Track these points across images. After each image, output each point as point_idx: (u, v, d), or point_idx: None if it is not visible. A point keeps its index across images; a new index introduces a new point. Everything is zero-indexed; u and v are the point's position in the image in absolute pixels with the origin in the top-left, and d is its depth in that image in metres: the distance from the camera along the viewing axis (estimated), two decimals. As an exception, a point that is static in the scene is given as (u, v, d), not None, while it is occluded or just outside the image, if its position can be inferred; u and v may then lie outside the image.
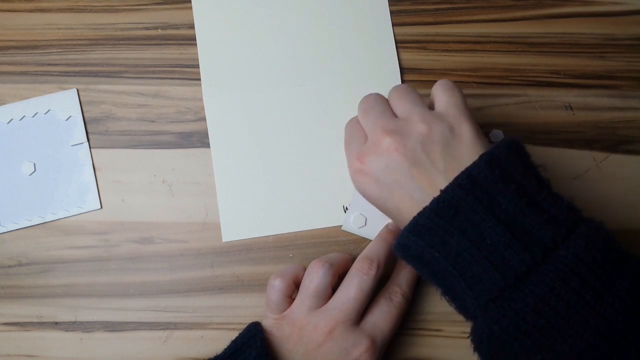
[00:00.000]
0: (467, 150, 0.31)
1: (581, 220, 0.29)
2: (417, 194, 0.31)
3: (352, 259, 0.38)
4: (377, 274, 0.36)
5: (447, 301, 0.32)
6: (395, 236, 0.39)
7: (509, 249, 0.28)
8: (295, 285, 0.38)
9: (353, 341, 0.35)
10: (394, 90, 0.35)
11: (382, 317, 0.36)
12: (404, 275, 0.38)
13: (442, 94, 0.34)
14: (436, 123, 0.32)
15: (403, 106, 0.34)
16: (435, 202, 0.29)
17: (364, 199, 0.41)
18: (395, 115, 0.34)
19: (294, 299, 0.37)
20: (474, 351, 0.31)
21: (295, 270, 0.38)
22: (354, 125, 0.36)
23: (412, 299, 0.39)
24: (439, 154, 0.31)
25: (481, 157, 0.30)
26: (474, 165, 0.29)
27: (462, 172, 0.29)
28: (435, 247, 0.30)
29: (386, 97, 0.36)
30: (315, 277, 0.36)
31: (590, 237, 0.28)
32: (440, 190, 0.29)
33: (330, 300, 0.36)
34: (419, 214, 0.30)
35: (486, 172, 0.29)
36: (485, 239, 0.28)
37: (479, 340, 0.30)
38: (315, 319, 0.35)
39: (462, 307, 0.31)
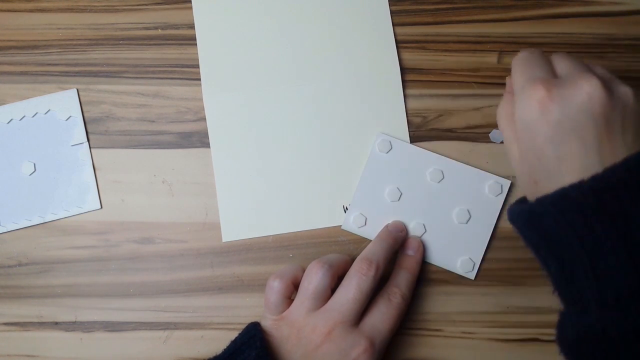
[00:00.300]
0: None
1: None
2: (592, 156, 0.27)
3: (351, 260, 0.38)
4: (377, 274, 0.36)
5: (552, 280, 0.29)
6: (396, 238, 0.39)
7: None
8: (294, 286, 0.38)
9: (351, 342, 0.35)
10: (560, 54, 0.32)
11: (380, 318, 0.36)
12: (403, 276, 0.38)
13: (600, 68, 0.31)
14: (634, 95, 0.28)
15: (600, 69, 0.30)
16: (599, 179, 0.26)
17: (364, 198, 0.41)
18: None
19: (293, 300, 0.37)
20: (559, 343, 0.29)
21: (294, 271, 0.38)
22: (536, 54, 0.32)
23: (411, 300, 0.39)
24: (632, 124, 0.28)
25: None
26: None
27: (634, 156, 0.27)
28: (574, 226, 0.27)
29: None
30: (314, 279, 0.36)
31: None
32: (604, 169, 0.26)
33: (329, 301, 0.36)
34: (571, 185, 0.27)
35: None
36: (636, 235, 0.26)
37: (577, 335, 0.27)
38: (314, 320, 0.35)
39: (572, 294, 0.28)
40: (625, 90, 0.29)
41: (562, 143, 0.28)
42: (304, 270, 0.38)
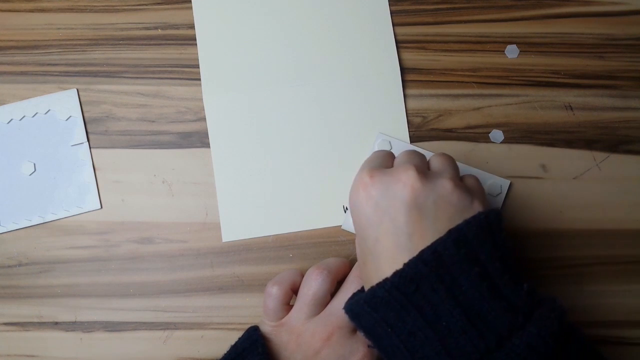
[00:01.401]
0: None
1: (538, 304, 0.29)
2: (403, 238, 0.30)
3: (350, 264, 0.38)
4: None
5: None
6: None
7: (464, 335, 0.27)
8: (292, 292, 0.37)
9: (350, 348, 0.34)
10: (437, 154, 0.35)
11: None
12: None
13: (470, 178, 0.33)
14: (461, 191, 0.31)
15: (440, 164, 0.33)
16: (398, 275, 0.28)
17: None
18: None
19: (292, 306, 0.37)
20: None
21: (293, 276, 0.37)
22: (386, 153, 0.35)
23: None
24: (447, 215, 0.30)
25: (449, 233, 0.29)
26: (442, 241, 0.28)
27: (428, 248, 0.28)
28: (388, 322, 0.29)
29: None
30: (313, 284, 0.36)
31: (545, 323, 0.27)
32: (403, 264, 0.28)
33: (328, 306, 0.36)
34: (377, 285, 0.29)
35: (452, 250, 0.28)
36: (442, 321, 0.28)
37: None
38: (313, 326, 0.35)
39: None
40: (443, 183, 0.31)
41: (379, 224, 0.30)
42: (302, 275, 0.37)
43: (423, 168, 0.32)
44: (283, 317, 0.36)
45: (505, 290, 0.28)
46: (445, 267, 0.28)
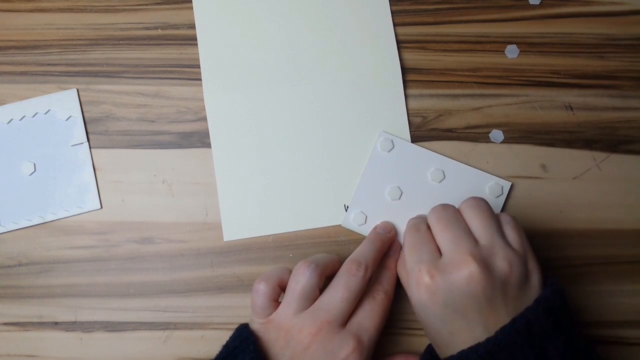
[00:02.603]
0: (535, 297, 0.32)
1: None
2: (478, 330, 0.31)
3: (339, 260, 0.38)
4: (365, 275, 0.36)
5: None
6: (384, 239, 0.39)
7: None
8: (280, 289, 0.37)
9: (339, 342, 0.34)
10: (473, 205, 0.35)
11: (366, 315, 0.36)
12: (385, 274, 0.38)
13: (511, 231, 0.34)
14: (516, 266, 0.32)
15: (485, 230, 0.34)
16: (492, 342, 0.30)
17: (365, 197, 0.41)
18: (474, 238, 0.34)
19: (280, 303, 0.36)
20: None
21: (281, 273, 0.37)
22: (424, 233, 0.35)
23: (394, 297, 0.38)
24: (512, 297, 0.32)
25: (537, 302, 0.31)
26: (532, 310, 0.31)
27: (520, 316, 0.30)
28: None
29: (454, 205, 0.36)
30: (301, 279, 0.35)
31: None
32: (496, 332, 0.30)
33: (317, 301, 0.35)
34: (470, 348, 0.31)
35: (542, 319, 0.30)
36: None
37: None
38: (302, 321, 0.35)
39: None
40: (501, 266, 0.32)
41: (450, 322, 0.32)
42: (290, 272, 0.37)
43: (475, 245, 0.33)
44: (271, 314, 0.36)
45: (584, 354, 0.31)
46: (536, 335, 0.30)
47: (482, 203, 0.35)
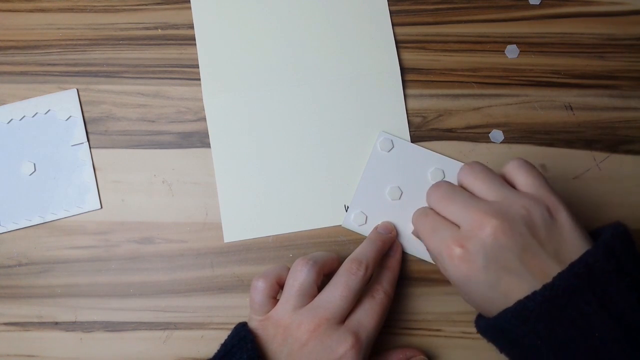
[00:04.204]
0: (570, 235, 0.31)
1: None
2: (528, 280, 0.30)
3: (337, 258, 0.38)
4: (365, 275, 0.36)
5: None
6: (385, 239, 0.39)
7: (617, 345, 0.28)
8: (279, 286, 0.37)
9: (337, 339, 0.34)
10: (468, 171, 0.35)
11: (365, 314, 0.36)
12: (386, 274, 0.38)
13: (525, 176, 0.33)
14: (533, 207, 0.31)
15: (490, 189, 0.33)
16: (549, 288, 0.29)
17: (365, 197, 0.41)
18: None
19: (278, 300, 0.37)
20: None
21: (279, 270, 0.37)
22: (433, 215, 0.35)
23: (394, 297, 0.38)
24: (545, 238, 0.31)
25: (597, 245, 0.30)
26: (591, 254, 0.29)
27: (579, 260, 0.29)
28: (538, 333, 0.29)
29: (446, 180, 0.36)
30: (299, 275, 0.36)
31: None
32: (553, 277, 0.29)
33: (316, 298, 0.35)
34: (526, 298, 0.30)
35: (603, 262, 0.29)
36: (595, 332, 0.28)
37: None
38: (300, 317, 0.35)
39: None
40: (519, 212, 0.31)
41: (497, 282, 0.31)
42: (288, 270, 0.37)
43: (485, 202, 0.32)
44: (270, 311, 0.36)
45: None
46: (596, 279, 0.29)
47: (475, 166, 0.35)
